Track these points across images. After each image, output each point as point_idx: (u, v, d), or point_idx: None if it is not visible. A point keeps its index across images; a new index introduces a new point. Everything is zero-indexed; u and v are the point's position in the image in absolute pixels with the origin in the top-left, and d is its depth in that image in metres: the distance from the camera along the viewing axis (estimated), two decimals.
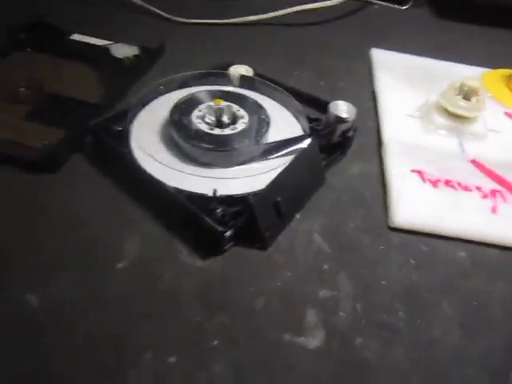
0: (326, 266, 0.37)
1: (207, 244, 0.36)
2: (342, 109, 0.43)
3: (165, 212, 0.38)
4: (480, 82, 0.55)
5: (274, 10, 0.66)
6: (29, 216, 0.38)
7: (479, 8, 0.71)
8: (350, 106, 0.44)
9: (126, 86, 0.50)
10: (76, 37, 0.57)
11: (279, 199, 0.37)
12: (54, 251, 0.35)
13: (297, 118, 0.46)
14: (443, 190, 0.43)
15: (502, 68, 0.62)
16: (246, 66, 0.50)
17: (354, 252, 0.38)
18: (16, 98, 0.47)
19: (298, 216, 0.40)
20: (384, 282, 0.36)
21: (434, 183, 0.44)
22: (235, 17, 0.66)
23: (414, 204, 0.41)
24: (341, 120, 0.43)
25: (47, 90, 0.48)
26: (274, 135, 0.42)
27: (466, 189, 0.44)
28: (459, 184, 0.44)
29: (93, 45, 0.55)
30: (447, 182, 0.44)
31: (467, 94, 0.49)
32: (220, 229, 0.34)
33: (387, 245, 0.39)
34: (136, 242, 0.37)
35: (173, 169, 0.38)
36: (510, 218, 0.41)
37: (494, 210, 0.42)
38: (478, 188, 0.44)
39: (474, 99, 0.48)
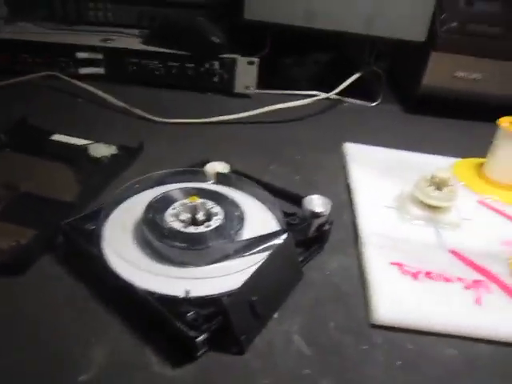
0: (307, 371, 0.34)
1: (179, 350, 0.34)
2: (317, 203, 0.43)
3: (135, 316, 0.36)
4: (451, 171, 0.57)
5: (250, 110, 0.69)
6: None
7: (444, 103, 0.76)
8: (325, 199, 0.44)
9: (103, 184, 0.51)
10: (57, 137, 0.58)
11: (255, 299, 0.35)
12: (15, 362, 0.33)
13: (272, 213, 0.46)
14: (424, 282, 0.42)
15: (472, 157, 0.64)
16: (223, 163, 0.50)
17: (336, 354, 0.36)
18: None
19: (275, 315, 0.38)
20: None
21: (415, 275, 0.43)
22: (213, 116, 0.68)
23: (395, 299, 0.40)
24: (316, 215, 0.43)
25: (23, 190, 0.48)
26: (249, 231, 0.42)
27: (448, 280, 0.43)
28: (440, 275, 0.43)
29: (72, 145, 0.56)
30: (427, 274, 0.43)
31: (439, 185, 0.50)
32: (192, 334, 0.32)
33: (370, 344, 0.37)
34: (104, 350, 0.34)
35: (144, 270, 0.37)
36: (495, 309, 0.40)
37: (478, 301, 0.41)
38: (460, 279, 0.43)
39: (445, 189, 0.49)
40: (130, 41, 0.76)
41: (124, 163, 0.55)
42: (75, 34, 0.76)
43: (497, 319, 0.39)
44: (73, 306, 0.38)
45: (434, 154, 0.64)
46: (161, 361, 0.34)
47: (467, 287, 0.42)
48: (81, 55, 0.73)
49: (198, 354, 0.34)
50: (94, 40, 0.74)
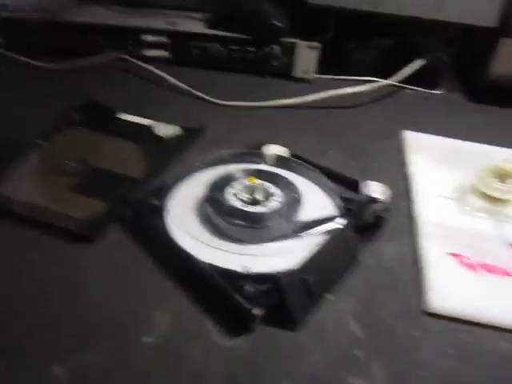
0: (357, 352, 0.35)
1: (236, 322, 0.36)
2: (374, 189, 0.44)
3: (196, 287, 0.39)
4: None
5: (309, 95, 0.69)
6: (66, 284, 0.39)
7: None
8: (383, 186, 0.44)
9: (167, 162, 0.53)
10: (123, 116, 0.61)
11: (311, 279, 0.36)
12: (85, 321, 0.36)
13: (330, 197, 0.46)
14: (482, 274, 0.42)
15: None
16: (281, 147, 0.51)
17: (388, 338, 0.37)
18: (62, 170, 0.50)
19: (329, 297, 0.39)
20: (420, 373, 0.34)
21: (473, 267, 0.42)
22: (271, 100, 0.69)
23: (451, 289, 0.40)
24: (373, 200, 0.43)
25: (92, 165, 0.51)
26: (306, 213, 0.43)
27: (507, 274, 0.42)
28: (499, 269, 0.42)
29: (137, 124, 0.59)
30: (486, 267, 0.42)
31: (503, 177, 0.48)
32: (249, 307, 0.34)
33: (424, 332, 0.37)
34: (166, 316, 0.37)
35: (206, 244, 0.39)
36: None
37: None
38: None
39: (509, 181, 0.48)
40: (194, 24, 0.77)
41: (186, 143, 0.57)
42: (142, 17, 0.79)
43: None
44: (137, 273, 0.40)
45: (497, 145, 0.62)
46: (219, 331, 0.36)
47: None
48: (147, 38, 0.76)
49: (255, 326, 0.35)
50: (160, 23, 0.77)
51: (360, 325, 0.37)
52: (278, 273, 0.36)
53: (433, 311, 0.39)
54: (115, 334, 0.35)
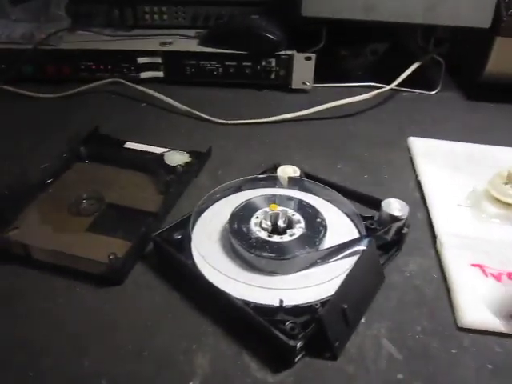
0: (400, 376, 0.36)
1: (277, 357, 0.36)
2: (395, 206, 0.44)
3: (232, 324, 0.39)
4: None
5: (307, 105, 0.69)
6: (97, 330, 0.39)
7: (509, 89, 0.74)
8: (403, 203, 0.44)
9: (180, 192, 0.53)
10: (129, 145, 0.61)
11: (346, 306, 0.37)
12: (124, 372, 0.36)
13: (349, 217, 0.47)
14: (507, 283, 0.42)
15: None
16: (294, 167, 0.51)
17: (425, 357, 0.37)
18: (77, 210, 0.50)
19: (363, 320, 0.40)
20: None
21: (497, 277, 0.43)
22: (272, 114, 0.69)
23: (479, 301, 0.41)
24: (395, 218, 0.44)
25: (107, 200, 0.51)
26: (329, 236, 0.43)
27: None
28: None
29: (146, 152, 0.59)
30: (510, 275, 0.43)
31: None
32: (291, 343, 0.34)
33: (459, 348, 0.38)
34: (205, 356, 0.37)
35: (236, 280, 0.39)
36: None
37: None
38: None
39: None
40: (187, 42, 0.77)
41: (197, 169, 0.57)
42: (134, 40, 0.78)
43: None
44: (169, 313, 0.40)
45: (502, 144, 0.63)
46: (260, 367, 0.36)
47: None
48: (141, 60, 0.75)
49: (295, 359, 0.36)
50: (154, 44, 0.76)
51: (396, 346, 0.38)
52: (315, 304, 0.36)
53: (464, 326, 0.39)
54: (159, 380, 0.35)
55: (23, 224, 0.48)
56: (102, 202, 0.51)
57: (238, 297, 0.38)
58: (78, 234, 0.47)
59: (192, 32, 0.80)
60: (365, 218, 0.46)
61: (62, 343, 0.38)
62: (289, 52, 0.74)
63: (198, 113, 0.69)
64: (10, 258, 0.44)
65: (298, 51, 0.74)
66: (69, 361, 0.36)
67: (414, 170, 0.59)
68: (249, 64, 0.75)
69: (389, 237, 0.44)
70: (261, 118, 0.69)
